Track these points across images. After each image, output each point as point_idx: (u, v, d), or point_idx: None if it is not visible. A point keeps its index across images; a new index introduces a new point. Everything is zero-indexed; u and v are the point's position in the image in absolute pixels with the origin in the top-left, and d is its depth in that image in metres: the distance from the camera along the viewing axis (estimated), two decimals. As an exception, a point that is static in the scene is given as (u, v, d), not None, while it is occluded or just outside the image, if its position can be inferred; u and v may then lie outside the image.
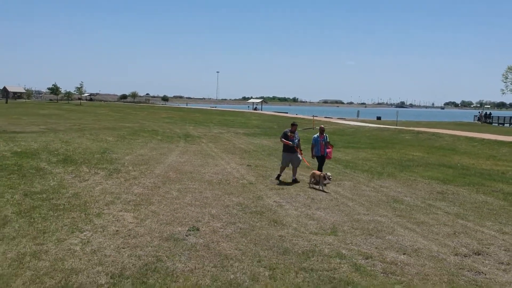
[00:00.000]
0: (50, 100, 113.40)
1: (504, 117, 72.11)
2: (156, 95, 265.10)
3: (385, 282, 5.68)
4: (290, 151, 12.86)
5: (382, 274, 5.95)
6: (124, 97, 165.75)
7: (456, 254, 6.92)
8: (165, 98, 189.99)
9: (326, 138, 13.74)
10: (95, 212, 8.40)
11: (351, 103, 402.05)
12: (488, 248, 7.32)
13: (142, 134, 24.92)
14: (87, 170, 12.48)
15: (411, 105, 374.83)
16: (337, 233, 7.76)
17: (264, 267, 6.01)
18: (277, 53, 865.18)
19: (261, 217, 8.61)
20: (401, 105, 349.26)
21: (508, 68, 43.91)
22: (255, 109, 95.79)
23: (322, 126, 14.41)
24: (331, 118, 62.00)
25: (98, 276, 5.49)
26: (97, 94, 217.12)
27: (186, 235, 7.22)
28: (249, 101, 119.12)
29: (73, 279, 5.37)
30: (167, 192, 10.46)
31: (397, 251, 6.96)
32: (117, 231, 7.31)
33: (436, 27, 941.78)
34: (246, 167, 14.93)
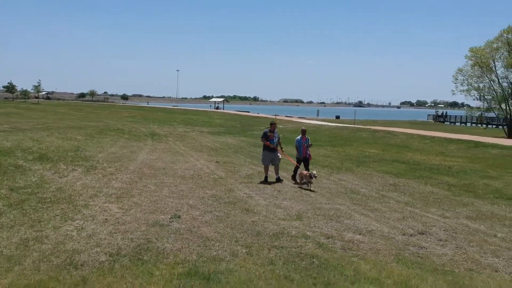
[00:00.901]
0: (5, 98, 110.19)
1: (455, 116, 75.82)
2: (114, 93, 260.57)
3: (344, 255, 6.76)
4: (270, 150, 13.15)
5: (341, 250, 7.04)
6: (82, 95, 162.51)
7: (403, 234, 8.11)
8: (124, 97, 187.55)
9: (308, 140, 13.87)
10: (82, 204, 9.13)
11: (310, 102, 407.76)
12: (431, 229, 8.56)
13: (109, 133, 25.37)
14: (65, 167, 13.07)
15: (369, 105, 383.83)
16: (302, 219, 8.82)
17: (241, 245, 6.98)
18: (237, 53, 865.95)
19: (234, 206, 9.57)
20: (359, 104, 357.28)
21: (458, 69, 46.41)
22: (217, 108, 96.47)
23: (304, 128, 14.58)
24: (292, 117, 63.53)
25: (97, 255, 6.30)
26: (53, 92, 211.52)
27: (169, 222, 8.10)
28: (210, 100, 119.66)
29: (76, 257, 6.16)
30: (145, 186, 11.26)
31: (354, 232, 8.08)
32: (106, 219, 8.10)
33: (391, 27, 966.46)
34: (215, 164, 15.84)
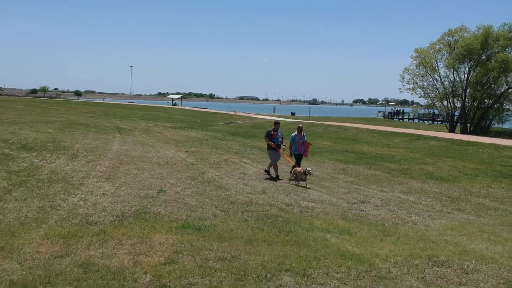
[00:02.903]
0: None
1: (403, 113, 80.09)
2: (66, 90, 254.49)
3: (301, 215, 8.63)
4: (275, 148, 13.37)
5: (298, 212, 8.90)
6: (34, 91, 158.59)
7: (348, 203, 10.08)
8: (78, 93, 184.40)
9: (304, 137, 13.89)
10: (77, 183, 10.59)
11: (266, 99, 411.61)
12: (370, 199, 10.58)
13: (77, 127, 26.36)
14: (49, 155, 14.34)
15: (323, 102, 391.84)
16: (266, 193, 10.64)
17: (220, 210, 8.71)
18: (193, 50, 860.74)
19: (208, 184, 11.28)
20: (314, 102, 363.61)
21: (405, 69, 49.66)
22: (175, 104, 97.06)
23: (301, 125, 14.55)
24: (250, 113, 65.40)
25: (106, 217, 7.87)
26: (1, 88, 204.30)
27: (157, 195, 9.72)
28: (168, 96, 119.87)
29: (90, 218, 7.71)
30: (127, 170, 12.76)
31: (308, 201, 9.98)
32: (103, 193, 9.62)
33: (344, 27, 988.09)
34: (185, 153, 17.43)
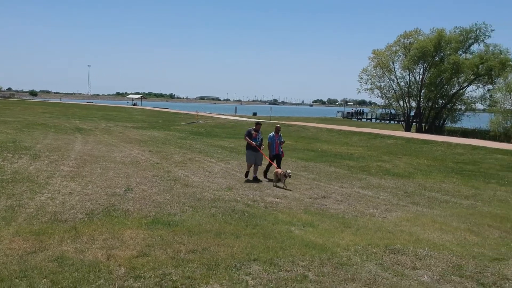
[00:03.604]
0: None
1: (362, 113, 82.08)
2: (20, 89, 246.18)
3: (266, 210, 8.99)
4: (254, 149, 13.11)
5: (264, 207, 9.27)
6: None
7: (310, 198, 10.52)
8: (33, 93, 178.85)
9: (281, 138, 13.83)
10: (43, 182, 10.58)
11: (227, 100, 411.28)
12: (331, 194, 11.07)
13: (36, 127, 25.87)
14: (11, 155, 14.16)
15: (283, 102, 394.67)
16: (232, 190, 10.96)
17: (187, 206, 8.96)
18: (154, 48, 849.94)
19: (175, 182, 11.49)
20: (274, 102, 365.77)
21: (362, 70, 51.06)
22: (135, 104, 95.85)
23: (278, 125, 14.50)
24: (211, 113, 65.45)
25: (76, 214, 7.98)
26: None
27: (124, 193, 9.87)
28: (127, 96, 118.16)
29: (59, 216, 7.80)
30: (92, 169, 12.78)
31: (273, 197, 10.37)
32: (70, 192, 9.69)
33: (305, 28, 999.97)
34: (149, 152, 17.51)
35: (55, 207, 8.39)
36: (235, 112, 75.41)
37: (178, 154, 17.57)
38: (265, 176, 13.36)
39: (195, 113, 47.26)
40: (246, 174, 13.00)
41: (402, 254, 6.57)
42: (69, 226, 7.23)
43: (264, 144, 13.71)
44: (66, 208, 8.33)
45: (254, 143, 13.12)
